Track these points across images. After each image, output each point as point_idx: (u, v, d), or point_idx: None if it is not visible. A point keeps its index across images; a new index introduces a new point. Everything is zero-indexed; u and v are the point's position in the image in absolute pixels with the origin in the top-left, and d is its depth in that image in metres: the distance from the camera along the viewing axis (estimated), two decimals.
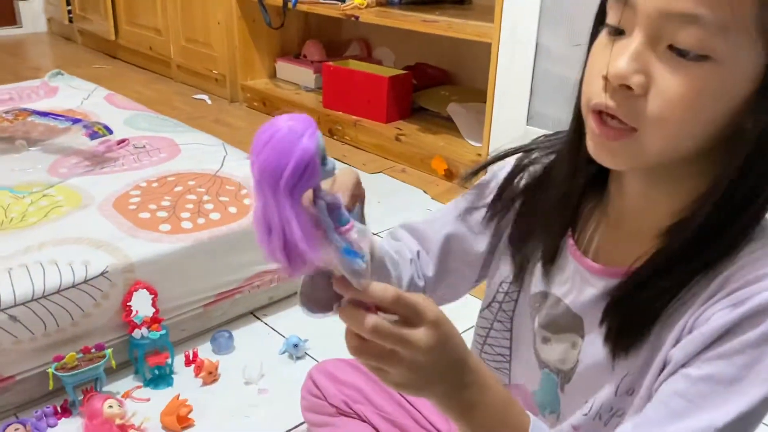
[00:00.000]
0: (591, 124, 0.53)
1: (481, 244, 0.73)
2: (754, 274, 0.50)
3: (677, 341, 0.53)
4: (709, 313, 0.51)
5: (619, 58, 0.49)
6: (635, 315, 0.55)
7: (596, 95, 0.52)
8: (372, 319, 0.47)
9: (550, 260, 0.65)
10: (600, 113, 0.52)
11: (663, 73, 0.48)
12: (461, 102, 2.50)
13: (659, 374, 0.54)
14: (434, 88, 2.69)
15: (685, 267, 0.52)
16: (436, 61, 2.82)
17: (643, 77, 0.49)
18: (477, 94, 2.44)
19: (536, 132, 2.10)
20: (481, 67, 2.21)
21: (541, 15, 1.92)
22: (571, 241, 0.64)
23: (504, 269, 0.71)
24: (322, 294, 0.54)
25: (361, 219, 0.51)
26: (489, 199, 0.72)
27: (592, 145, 0.54)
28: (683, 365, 0.51)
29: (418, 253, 0.75)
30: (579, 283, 0.62)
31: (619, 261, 0.59)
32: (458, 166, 2.27)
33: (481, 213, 0.73)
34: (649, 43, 0.49)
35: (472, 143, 2.32)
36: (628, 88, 0.49)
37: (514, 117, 2.05)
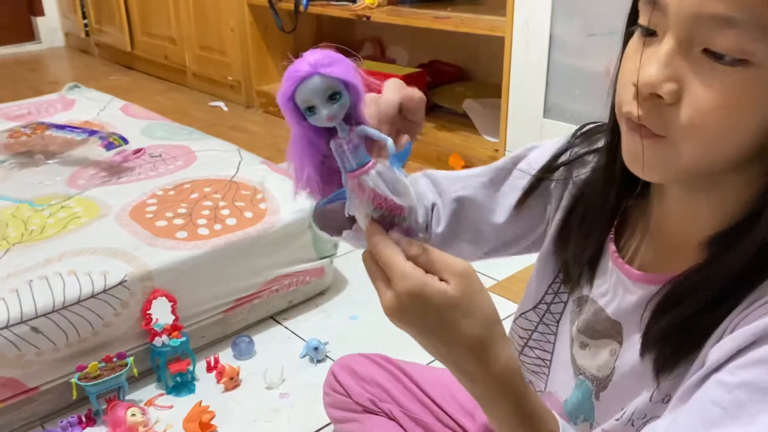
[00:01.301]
0: (623, 126, 0.51)
1: (499, 216, 0.71)
2: None
3: (717, 342, 0.49)
4: (753, 316, 0.47)
5: (649, 65, 0.46)
6: (687, 333, 0.51)
7: (627, 102, 0.49)
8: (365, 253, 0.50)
9: (590, 265, 0.64)
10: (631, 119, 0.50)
11: (697, 79, 0.45)
12: (477, 98, 2.48)
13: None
14: (449, 85, 2.68)
15: (741, 282, 0.48)
16: (449, 57, 2.81)
17: (675, 85, 0.46)
18: (492, 89, 2.42)
19: (553, 125, 2.07)
20: (495, 62, 2.19)
21: (554, 6, 1.89)
22: (612, 247, 0.62)
23: (551, 270, 0.70)
24: (335, 218, 0.56)
25: (400, 156, 0.52)
26: (516, 176, 0.70)
27: (626, 155, 0.52)
28: (717, 369, 0.47)
29: (433, 205, 0.73)
30: (619, 290, 0.60)
31: (660, 269, 0.57)
32: (476, 163, 2.25)
33: (504, 187, 0.71)
34: (681, 48, 0.45)
35: (489, 139, 2.30)
36: (659, 96, 0.46)
37: (531, 110, 2.03)
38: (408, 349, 1.29)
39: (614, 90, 0.54)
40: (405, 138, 0.54)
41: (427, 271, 0.47)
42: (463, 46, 2.71)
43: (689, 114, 0.46)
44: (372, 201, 0.48)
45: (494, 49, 2.19)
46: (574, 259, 0.65)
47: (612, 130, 0.58)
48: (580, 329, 0.65)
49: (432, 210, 0.73)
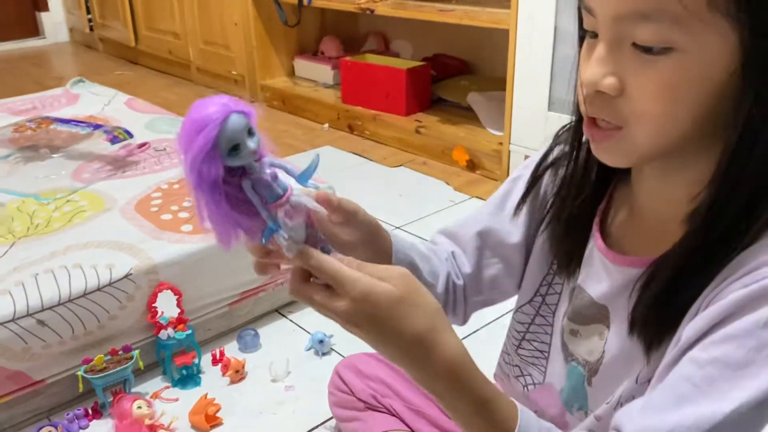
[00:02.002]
0: (585, 127, 0.55)
1: (514, 236, 0.74)
2: None
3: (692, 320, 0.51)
4: (724, 293, 0.49)
5: (590, 65, 0.51)
6: (667, 310, 0.53)
7: (582, 102, 0.54)
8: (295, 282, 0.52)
9: (577, 253, 0.66)
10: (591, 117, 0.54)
11: (633, 71, 0.49)
12: (481, 91, 2.48)
13: None
14: (453, 79, 2.67)
15: (713, 257, 0.50)
16: (454, 51, 2.80)
17: (615, 79, 0.50)
18: (497, 82, 2.41)
19: (558, 118, 2.06)
20: (500, 55, 2.19)
21: None
22: (597, 233, 0.64)
23: (544, 262, 0.72)
24: None
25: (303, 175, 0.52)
26: (515, 194, 0.73)
27: (592, 147, 0.56)
28: (691, 347, 0.49)
29: (452, 253, 0.76)
30: (603, 273, 0.62)
31: (642, 250, 0.58)
32: (480, 156, 2.24)
33: (512, 206, 0.74)
34: (613, 46, 0.50)
35: (493, 132, 2.30)
36: (604, 92, 0.51)
37: (535, 103, 2.02)
38: None
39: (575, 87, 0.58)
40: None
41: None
42: (467, 39, 2.71)
43: (633, 103, 0.50)
44: (306, 220, 0.50)
45: (499, 42, 2.19)
46: (563, 248, 0.67)
47: (578, 123, 0.61)
48: (569, 317, 0.67)
49: (454, 258, 0.76)
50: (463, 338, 1.36)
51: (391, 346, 0.51)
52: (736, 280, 0.48)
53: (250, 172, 0.48)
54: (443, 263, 0.75)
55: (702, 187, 0.52)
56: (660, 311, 0.53)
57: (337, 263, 0.50)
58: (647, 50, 0.48)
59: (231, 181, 0.47)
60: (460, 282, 0.75)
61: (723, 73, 0.47)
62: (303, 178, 0.51)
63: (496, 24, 2.09)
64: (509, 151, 2.14)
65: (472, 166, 2.27)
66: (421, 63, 2.63)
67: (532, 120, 2.04)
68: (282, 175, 0.50)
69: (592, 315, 0.63)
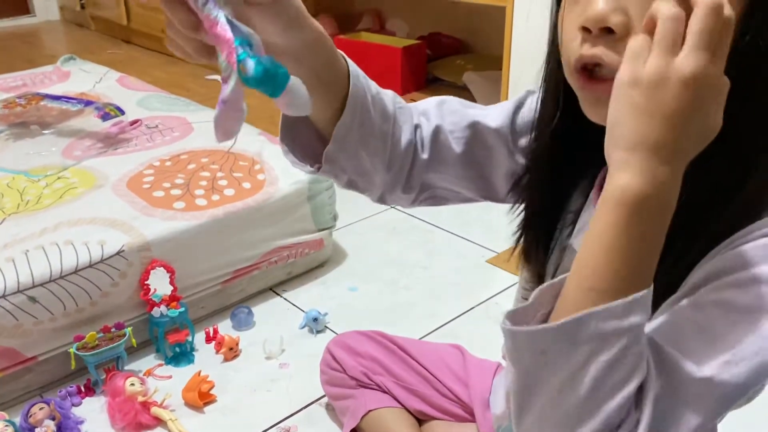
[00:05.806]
0: (579, 83, 0.50)
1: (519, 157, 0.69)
2: None
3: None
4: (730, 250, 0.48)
5: (593, 1, 0.46)
6: (670, 270, 0.51)
7: (577, 50, 0.48)
8: None
9: (574, 213, 0.63)
10: (585, 68, 0.49)
11: (642, 6, 0.45)
12: (477, 70, 2.46)
13: None
14: (449, 58, 2.65)
15: (712, 215, 0.49)
16: (450, 30, 2.77)
17: (623, 16, 0.45)
18: (493, 61, 2.39)
19: None
20: (496, 34, 2.16)
21: None
22: (595, 189, 0.62)
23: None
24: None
25: None
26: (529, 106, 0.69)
27: (587, 110, 0.51)
28: (692, 292, 0.48)
29: (437, 126, 0.68)
30: None
31: None
32: None
33: (520, 119, 0.70)
34: None
35: None
36: (609, 31, 0.46)
37: (532, 82, 2.00)
38: (404, 320, 1.30)
39: (549, 57, 0.56)
40: None
41: None
42: (463, 17, 2.68)
43: None
44: None
45: (495, 20, 2.16)
46: (557, 207, 0.64)
47: (554, 81, 0.58)
48: (554, 277, 0.65)
49: (439, 133, 0.68)
50: (457, 317, 1.36)
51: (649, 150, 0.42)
52: (754, 240, 0.47)
53: None
54: (409, 130, 0.66)
55: None
56: (663, 271, 0.51)
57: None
58: None
59: None
60: (424, 156, 0.67)
61: (736, 10, 0.43)
62: None
63: (493, 1, 2.06)
64: None
65: None
66: (417, 42, 2.60)
67: None
68: None
69: None
